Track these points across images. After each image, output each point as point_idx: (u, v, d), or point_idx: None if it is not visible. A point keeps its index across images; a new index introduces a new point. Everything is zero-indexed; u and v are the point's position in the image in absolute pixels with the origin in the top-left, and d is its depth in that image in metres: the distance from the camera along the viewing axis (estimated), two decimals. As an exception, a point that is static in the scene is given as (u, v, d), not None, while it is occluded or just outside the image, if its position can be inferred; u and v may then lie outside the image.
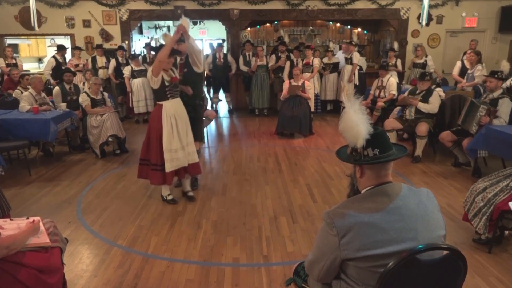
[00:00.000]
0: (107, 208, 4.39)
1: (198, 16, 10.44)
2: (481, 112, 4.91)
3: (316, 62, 9.01)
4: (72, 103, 6.60)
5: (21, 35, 10.28)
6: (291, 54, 9.36)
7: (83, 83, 7.50)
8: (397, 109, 6.81)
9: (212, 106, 10.07)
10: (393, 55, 9.52)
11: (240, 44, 10.29)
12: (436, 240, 1.61)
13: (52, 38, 11.07)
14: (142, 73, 8.61)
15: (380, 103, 7.45)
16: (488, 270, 3.13)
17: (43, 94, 6.37)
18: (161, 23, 13.83)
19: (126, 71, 8.61)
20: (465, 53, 8.04)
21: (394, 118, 6.42)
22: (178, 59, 4.62)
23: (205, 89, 6.36)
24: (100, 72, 8.95)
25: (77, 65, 8.55)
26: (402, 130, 6.34)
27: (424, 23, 8.39)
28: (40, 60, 12.60)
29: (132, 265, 3.26)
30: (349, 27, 11.58)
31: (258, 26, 11.50)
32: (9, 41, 10.38)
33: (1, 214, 3.00)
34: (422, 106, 5.84)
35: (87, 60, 9.17)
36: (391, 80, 7.57)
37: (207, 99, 6.83)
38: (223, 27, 10.68)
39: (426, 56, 9.10)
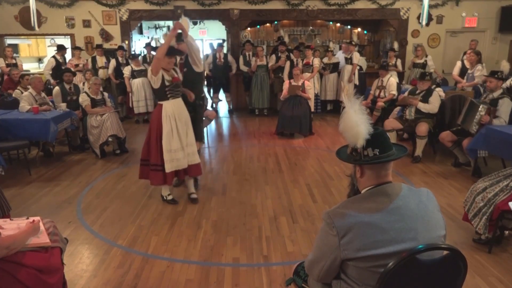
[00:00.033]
0: (107, 208, 4.39)
1: (198, 16, 10.44)
2: (481, 111, 4.91)
3: (316, 62, 9.01)
4: (72, 103, 6.59)
5: (21, 35, 10.28)
6: (291, 54, 9.36)
7: (83, 83, 7.49)
8: (397, 109, 6.81)
9: (212, 106, 10.08)
10: (393, 55, 9.52)
11: (240, 44, 10.29)
12: (436, 240, 1.61)
13: (52, 38, 11.08)
14: (142, 73, 8.61)
15: (380, 103, 7.45)
16: (488, 270, 3.13)
17: (43, 94, 6.37)
18: (161, 23, 13.84)
19: (126, 71, 8.61)
20: (465, 53, 8.05)
21: (394, 118, 6.42)
22: (178, 58, 4.62)
23: (205, 89, 6.36)
24: (100, 72, 8.95)
25: (77, 65, 8.55)
26: (402, 130, 6.34)
27: (424, 23, 8.39)
28: (40, 60, 12.60)
29: (132, 265, 3.26)
30: (349, 27, 11.57)
31: (258, 26, 11.50)
32: (9, 41, 10.38)
33: (1, 214, 3.00)
34: (422, 106, 5.84)
35: (87, 60, 9.17)
36: (391, 80, 7.57)
37: (207, 99, 6.83)
38: (223, 27, 10.68)
39: (426, 56, 9.10)
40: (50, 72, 8.44)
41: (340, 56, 9.62)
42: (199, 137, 4.85)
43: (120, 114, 8.29)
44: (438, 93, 6.09)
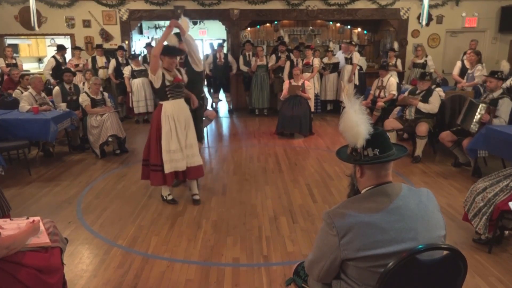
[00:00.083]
0: (107, 208, 4.39)
1: (198, 16, 10.44)
2: (481, 111, 4.92)
3: (316, 62, 9.01)
4: (72, 103, 6.59)
5: (21, 35, 10.28)
6: (291, 54, 9.36)
7: (83, 83, 7.49)
8: (397, 109, 6.81)
9: (212, 106, 10.08)
10: (393, 55, 9.52)
11: (240, 44, 10.29)
12: (436, 240, 1.61)
13: (52, 38, 11.08)
14: (142, 73, 8.61)
15: (380, 103, 7.45)
16: (488, 270, 3.13)
17: (43, 94, 6.37)
18: (161, 23, 13.83)
19: (126, 71, 8.61)
20: (465, 53, 8.04)
21: (394, 118, 6.42)
22: (178, 58, 4.61)
23: (205, 89, 6.35)
24: (100, 72, 8.95)
25: (77, 65, 8.55)
26: (402, 130, 6.34)
27: (424, 23, 8.38)
28: (40, 60, 12.60)
29: (132, 265, 3.26)
30: (349, 27, 11.57)
31: (258, 26, 11.49)
32: (9, 41, 10.38)
33: (1, 214, 3.00)
34: (422, 106, 5.84)
35: (87, 60, 9.17)
36: (391, 80, 7.57)
37: (207, 99, 6.83)
38: (223, 27, 10.68)
39: (426, 56, 9.10)
40: (50, 72, 8.44)
41: (339, 56, 9.62)
42: (199, 137, 4.84)
43: (120, 114, 8.29)
44: (438, 93, 6.09)
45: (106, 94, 6.75)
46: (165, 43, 4.30)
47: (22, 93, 6.41)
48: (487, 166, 5.49)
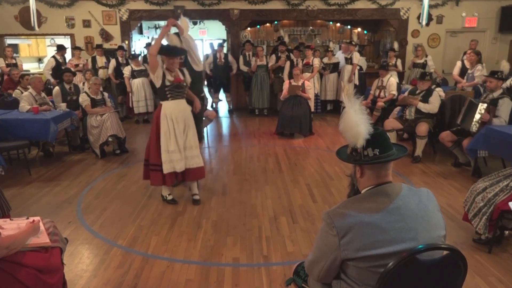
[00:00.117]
0: (107, 208, 4.39)
1: (198, 16, 10.44)
2: (481, 110, 4.92)
3: (316, 62, 9.01)
4: (72, 103, 6.59)
5: (21, 35, 10.28)
6: (291, 54, 9.36)
7: (83, 83, 7.49)
8: (397, 109, 6.81)
9: (212, 106, 10.08)
10: (393, 55, 9.52)
11: (240, 44, 10.29)
12: (436, 240, 1.61)
13: (52, 38, 11.07)
14: (142, 73, 8.62)
15: (380, 103, 7.44)
16: (488, 270, 3.13)
17: (43, 94, 6.37)
18: (161, 23, 13.80)
19: (126, 71, 8.61)
20: (465, 53, 8.05)
21: (394, 118, 6.42)
22: (179, 58, 4.60)
23: (205, 89, 6.35)
24: (100, 72, 8.95)
25: (77, 65, 8.55)
26: (402, 130, 6.34)
27: (424, 23, 8.39)
28: (40, 60, 12.60)
29: (132, 265, 3.26)
30: (349, 27, 11.57)
31: (258, 26, 11.49)
32: (9, 41, 10.38)
33: (1, 214, 3.00)
34: (422, 106, 5.84)
35: (87, 60, 9.17)
36: (391, 80, 7.57)
37: (207, 99, 6.83)
38: (223, 27, 10.68)
39: (426, 56, 9.10)
40: (50, 72, 8.44)
41: (339, 56, 9.62)
42: (199, 137, 4.84)
43: (120, 114, 8.29)
44: (438, 93, 6.09)
45: (106, 94, 6.75)
46: (166, 43, 4.30)
47: (22, 93, 6.41)
48: (487, 166, 5.49)
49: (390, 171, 1.71)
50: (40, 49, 12.26)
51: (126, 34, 10.14)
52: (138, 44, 11.52)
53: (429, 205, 1.68)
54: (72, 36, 10.14)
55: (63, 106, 6.37)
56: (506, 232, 3.54)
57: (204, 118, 5.46)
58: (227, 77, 9.73)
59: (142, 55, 10.20)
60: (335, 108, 9.91)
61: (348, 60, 9.31)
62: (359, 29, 11.68)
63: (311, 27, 11.58)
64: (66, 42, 10.15)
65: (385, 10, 10.17)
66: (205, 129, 6.68)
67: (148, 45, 9.76)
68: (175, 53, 4.19)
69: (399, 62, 9.56)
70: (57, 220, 3.75)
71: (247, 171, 5.64)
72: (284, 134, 7.67)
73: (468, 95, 6.15)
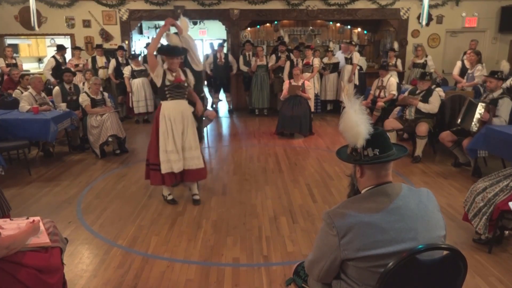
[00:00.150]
0: (107, 208, 4.39)
1: (198, 16, 10.44)
2: (480, 110, 4.92)
3: (316, 62, 9.01)
4: (72, 103, 6.59)
5: (21, 35, 10.28)
6: (291, 54, 9.35)
7: (83, 83, 7.49)
8: (397, 109, 6.80)
9: (212, 106, 10.08)
10: (393, 55, 9.52)
11: (240, 44, 10.29)
12: (436, 240, 1.61)
13: (52, 38, 11.07)
14: (142, 73, 8.62)
15: (380, 103, 7.44)
16: (488, 270, 3.13)
17: (43, 94, 6.37)
18: (161, 23, 13.76)
19: (126, 71, 8.61)
20: (465, 53, 8.05)
21: (394, 118, 6.42)
22: (179, 58, 4.60)
23: (205, 89, 6.35)
24: (100, 72, 8.95)
25: (77, 65, 8.55)
26: (402, 130, 6.34)
27: (424, 23, 8.38)
28: (40, 60, 12.60)
29: (132, 265, 3.26)
30: (349, 27, 11.57)
31: (258, 26, 11.49)
32: (9, 41, 10.38)
33: (1, 214, 3.00)
34: (422, 106, 5.84)
35: (87, 60, 9.17)
36: (391, 80, 7.57)
37: (207, 99, 6.83)
38: (223, 27, 10.68)
39: (426, 56, 9.10)
40: (50, 72, 8.44)
41: (339, 56, 9.62)
42: (199, 137, 4.83)
43: (120, 114, 8.29)
44: (438, 93, 6.09)
45: (106, 94, 6.75)
46: (166, 42, 4.30)
47: (22, 93, 6.41)
48: (487, 166, 5.49)
49: (390, 171, 1.71)
50: (40, 49, 12.26)
51: (126, 34, 10.14)
52: (138, 44, 11.52)
53: (429, 205, 1.68)
54: (72, 36, 10.14)
55: (63, 106, 6.37)
56: (506, 232, 3.54)
57: (204, 118, 5.46)
58: (227, 77, 9.73)
59: (142, 55, 10.20)
60: (335, 108, 9.91)
61: (348, 60, 9.31)
62: (359, 29, 11.68)
63: (311, 27, 11.58)
64: (66, 42, 10.14)
65: (385, 10, 10.17)
66: (205, 129, 6.68)
67: (148, 45, 9.77)
68: (174, 53, 4.18)
69: (399, 62, 9.56)
70: (57, 220, 3.75)
71: (247, 171, 5.64)
72: (284, 134, 7.67)
73: (468, 95, 6.15)
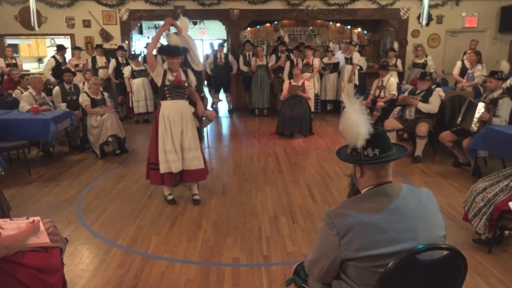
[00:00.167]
0: (107, 208, 4.39)
1: (198, 16, 10.44)
2: (480, 109, 4.92)
3: (316, 62, 9.01)
4: (72, 103, 6.59)
5: (21, 35, 10.28)
6: (291, 54, 9.35)
7: (83, 83, 7.49)
8: (397, 109, 6.80)
9: (212, 106, 10.08)
10: (393, 55, 9.52)
11: (240, 44, 10.29)
12: (436, 240, 1.61)
13: (52, 38, 11.07)
14: (142, 73, 8.62)
15: (380, 103, 7.44)
16: (488, 270, 3.13)
17: (43, 94, 6.37)
18: (161, 23, 13.77)
19: (126, 71, 8.61)
20: (465, 53, 8.04)
21: (394, 118, 6.42)
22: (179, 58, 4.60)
23: (205, 89, 6.35)
24: (100, 72, 8.95)
25: (77, 65, 8.54)
26: (402, 130, 6.34)
27: (424, 23, 8.38)
28: (40, 60, 12.60)
29: (132, 265, 3.26)
30: (349, 27, 11.57)
31: (258, 26, 11.49)
32: (9, 41, 10.38)
33: (1, 214, 3.00)
34: (422, 106, 5.84)
35: (87, 60, 9.17)
36: (391, 80, 7.57)
37: (207, 99, 6.83)
38: (223, 27, 10.68)
39: (426, 56, 9.10)
40: (51, 72, 8.44)
41: (339, 57, 9.62)
42: (199, 137, 4.83)
43: (120, 114, 8.29)
44: (438, 93, 6.09)
45: (106, 94, 6.75)
46: (166, 42, 4.30)
47: (22, 93, 6.41)
48: (487, 166, 5.49)
49: (390, 171, 1.71)
50: (40, 49, 12.26)
51: (126, 34, 10.14)
52: (138, 44, 11.52)
53: (429, 205, 1.68)
54: (72, 36, 10.14)
55: (63, 106, 6.37)
56: (506, 232, 3.54)
57: (204, 118, 5.45)
58: (227, 77, 9.73)
59: (142, 55, 10.19)
60: (335, 108, 9.91)
61: (348, 60, 9.31)
62: (359, 29, 11.68)
63: (311, 27, 11.58)
64: (66, 42, 10.14)
65: (385, 10, 10.17)
66: (205, 129, 6.68)
67: (148, 45, 9.76)
68: (173, 53, 4.17)
69: (399, 62, 9.56)
70: (57, 220, 3.75)
71: (247, 171, 5.64)
72: (284, 134, 7.67)
73: (468, 95, 6.15)
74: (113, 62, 8.92)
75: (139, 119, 9.05)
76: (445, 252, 1.59)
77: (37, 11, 8.96)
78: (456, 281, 1.64)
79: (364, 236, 1.55)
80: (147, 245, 3.58)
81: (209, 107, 8.52)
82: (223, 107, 10.75)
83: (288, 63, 9.05)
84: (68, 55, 9.34)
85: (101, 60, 9.11)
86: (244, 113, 10.01)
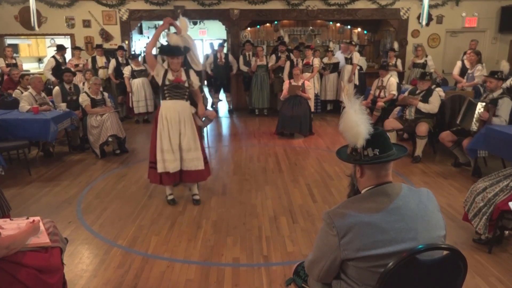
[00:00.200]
0: (107, 208, 4.39)
1: (198, 16, 10.44)
2: (480, 109, 4.93)
3: (316, 62, 9.01)
4: (72, 103, 6.59)
5: (21, 35, 10.28)
6: (291, 54, 9.35)
7: (83, 83, 7.49)
8: (397, 109, 6.80)
9: (212, 106, 10.08)
10: (393, 55, 9.52)
11: (240, 44, 10.29)
12: (436, 240, 1.61)
13: (52, 38, 11.07)
14: (142, 73, 8.62)
15: (380, 103, 7.44)
16: (488, 270, 3.13)
17: (43, 94, 6.37)
18: (161, 23, 13.81)
19: (126, 71, 8.61)
20: (465, 53, 8.04)
21: (394, 118, 6.42)
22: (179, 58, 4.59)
23: (205, 89, 6.35)
24: (100, 72, 8.95)
25: (77, 65, 8.54)
26: (402, 130, 6.34)
27: (424, 23, 8.38)
28: (40, 60, 12.60)
29: (132, 265, 3.26)
30: (349, 27, 11.57)
31: (258, 26, 11.49)
32: (9, 41, 10.38)
33: (1, 214, 3.00)
34: (422, 106, 5.84)
35: (87, 60, 9.17)
36: (391, 80, 7.57)
37: (207, 99, 6.83)
38: (223, 27, 10.68)
39: (426, 56, 9.10)
40: (51, 72, 8.44)
41: (339, 57, 9.62)
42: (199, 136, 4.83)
43: (120, 114, 8.29)
44: (438, 93, 6.09)
45: (106, 94, 6.75)
46: (166, 42, 4.30)
47: (22, 93, 6.41)
48: (487, 166, 5.49)
49: (390, 171, 1.71)
50: (40, 49, 12.26)
51: (126, 34, 10.14)
52: (138, 44, 11.52)
53: (429, 205, 1.68)
54: (72, 36, 10.14)
55: (63, 106, 6.37)
56: (506, 232, 3.54)
57: (204, 118, 5.45)
58: (227, 77, 9.73)
59: (142, 55, 10.18)
60: (335, 108, 9.91)
61: (348, 60, 9.31)
62: (359, 29, 11.68)
63: (311, 27, 11.58)
64: (66, 42, 10.14)
65: (385, 10, 10.17)
66: (205, 129, 6.68)
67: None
68: (173, 53, 4.17)
69: (399, 62, 9.56)
70: (57, 220, 3.75)
71: (247, 171, 5.64)
72: (284, 134, 7.67)
73: (468, 95, 6.15)
74: (113, 62, 8.92)
75: (139, 119, 9.05)
76: (445, 252, 1.59)
77: (37, 11, 8.96)
78: (456, 281, 1.64)
79: (364, 236, 1.55)
80: (147, 245, 3.58)
81: (209, 107, 8.52)
82: (223, 107, 10.75)
83: (288, 63, 9.05)
84: (68, 55, 9.34)
85: (101, 60, 9.11)
86: (244, 113, 10.01)
